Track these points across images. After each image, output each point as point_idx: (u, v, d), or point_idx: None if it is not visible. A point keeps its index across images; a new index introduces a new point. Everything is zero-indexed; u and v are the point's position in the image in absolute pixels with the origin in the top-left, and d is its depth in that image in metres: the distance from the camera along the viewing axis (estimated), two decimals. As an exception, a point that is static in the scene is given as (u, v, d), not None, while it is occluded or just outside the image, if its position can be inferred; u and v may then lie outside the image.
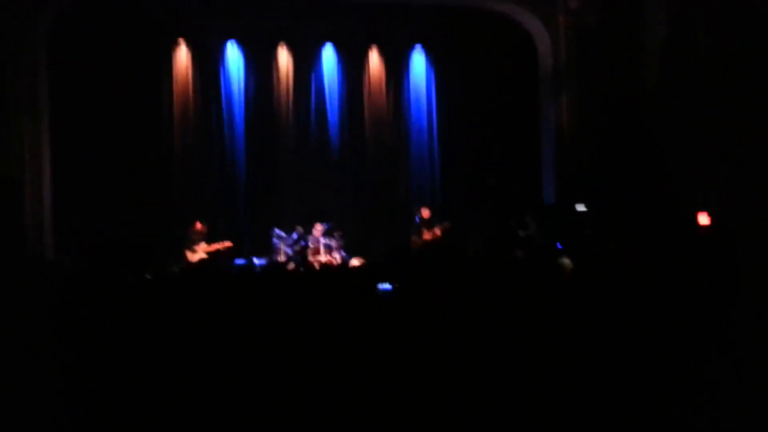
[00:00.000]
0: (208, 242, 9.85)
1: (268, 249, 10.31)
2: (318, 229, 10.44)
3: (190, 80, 10.94)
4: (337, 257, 10.17)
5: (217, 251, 9.74)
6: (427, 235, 10.55)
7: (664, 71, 9.39)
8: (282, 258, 10.06)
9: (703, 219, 8.08)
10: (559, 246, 8.84)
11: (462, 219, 10.93)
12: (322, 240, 10.29)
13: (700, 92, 8.63)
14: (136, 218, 9.95)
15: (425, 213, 10.74)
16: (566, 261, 4.53)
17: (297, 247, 10.30)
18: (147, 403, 2.83)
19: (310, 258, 10.05)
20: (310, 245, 10.26)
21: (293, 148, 11.40)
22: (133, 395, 2.86)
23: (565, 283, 4.09)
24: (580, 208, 9.84)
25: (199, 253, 9.70)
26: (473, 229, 10.62)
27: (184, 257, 9.49)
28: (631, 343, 3.02)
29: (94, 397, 2.78)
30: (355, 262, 9.33)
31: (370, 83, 11.74)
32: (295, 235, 10.45)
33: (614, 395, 2.80)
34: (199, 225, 9.81)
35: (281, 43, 11.37)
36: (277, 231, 10.35)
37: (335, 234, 10.45)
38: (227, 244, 9.73)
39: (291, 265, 8.43)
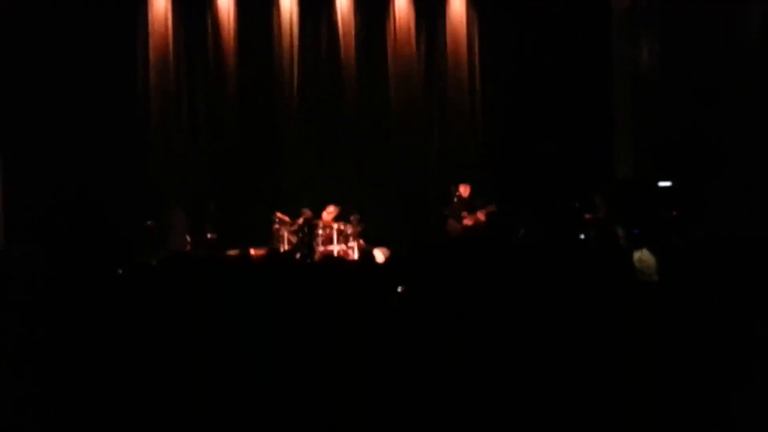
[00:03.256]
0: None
1: (267, 238, 10.35)
2: (330, 212, 10.45)
3: (170, 32, 10.97)
4: (354, 247, 10.16)
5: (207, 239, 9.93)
6: (467, 220, 10.50)
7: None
8: (285, 248, 10.09)
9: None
10: (636, 233, 8.83)
11: (511, 200, 10.89)
12: (336, 226, 10.30)
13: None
14: (105, 201, 10.09)
15: (464, 192, 10.67)
16: (646, 255, 4.47)
17: (304, 235, 10.32)
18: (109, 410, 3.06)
19: (320, 248, 10.06)
20: (320, 232, 10.27)
21: (299, 113, 11.48)
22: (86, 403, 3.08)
23: (645, 283, 4.14)
24: (664, 184, 9.81)
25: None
26: (526, 213, 10.58)
27: (178, 243, 9.77)
28: (738, 365, 3.06)
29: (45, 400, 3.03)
30: (377, 253, 9.16)
31: (395, 30, 11.71)
32: (301, 220, 10.47)
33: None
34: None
35: (283, -19, 11.43)
36: (279, 215, 10.39)
37: (352, 218, 10.44)
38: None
39: (297, 256, 8.49)
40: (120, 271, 5.14)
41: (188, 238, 9.95)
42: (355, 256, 9.83)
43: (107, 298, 4.00)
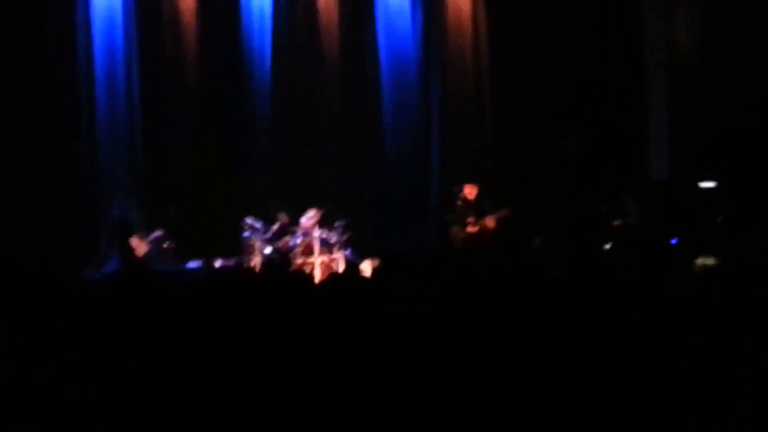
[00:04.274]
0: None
1: (236, 246, 10.32)
2: (311, 217, 10.38)
3: (119, 14, 11.09)
4: (338, 258, 10.09)
5: (155, 246, 9.98)
6: (473, 227, 10.40)
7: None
8: (256, 259, 10.02)
9: None
10: (673, 242, 8.84)
11: (526, 203, 10.85)
12: (317, 233, 10.22)
13: None
14: (43, 205, 10.21)
15: (470, 193, 10.60)
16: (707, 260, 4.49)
17: (280, 244, 10.26)
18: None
19: (298, 260, 9.99)
20: (299, 240, 10.20)
21: (273, 102, 11.53)
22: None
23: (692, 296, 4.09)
24: (706, 185, 9.79)
25: (144, 244, 9.98)
26: (543, 219, 10.58)
27: (127, 250, 9.84)
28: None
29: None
30: (365, 266, 9.19)
31: (387, 8, 11.78)
32: (276, 226, 10.41)
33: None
34: None
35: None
36: (249, 220, 10.32)
37: (336, 225, 10.37)
38: (160, 234, 10.10)
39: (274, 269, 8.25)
40: (57, 287, 5.02)
41: (142, 245, 10.00)
42: (340, 269, 9.81)
43: (40, 321, 4.05)
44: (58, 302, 4.43)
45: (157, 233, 10.10)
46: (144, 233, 10.07)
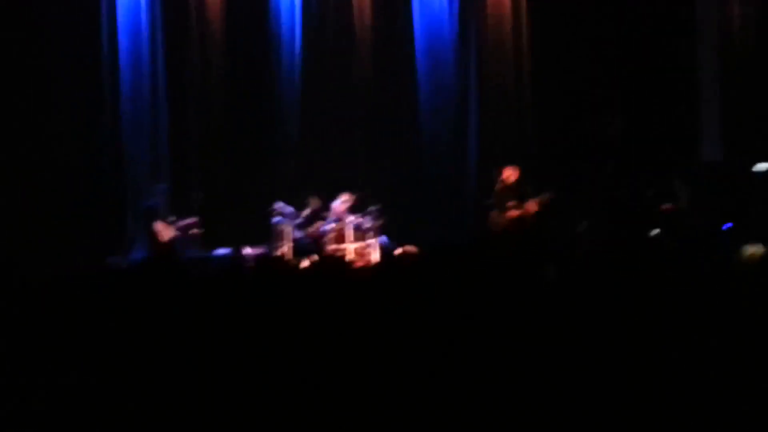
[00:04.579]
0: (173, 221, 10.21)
1: (266, 233, 10.37)
2: (344, 201, 10.45)
3: None
4: (373, 246, 10.13)
5: (183, 233, 10.07)
6: (513, 212, 10.39)
7: None
8: (286, 247, 10.06)
9: None
10: (727, 228, 8.83)
11: (569, 187, 10.80)
12: (350, 219, 10.28)
13: None
14: (67, 192, 10.45)
15: (511, 176, 10.58)
16: (757, 249, 4.47)
17: (311, 230, 10.33)
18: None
19: (331, 246, 10.06)
20: (331, 227, 10.26)
21: (304, 82, 11.59)
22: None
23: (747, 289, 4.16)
24: (762, 167, 9.69)
25: (170, 230, 10.08)
26: (588, 204, 10.57)
27: (153, 237, 10.03)
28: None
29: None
30: (401, 253, 9.38)
31: None
32: (307, 212, 10.47)
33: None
34: None
35: None
36: (279, 206, 10.39)
37: (371, 210, 10.41)
38: (192, 221, 10.18)
39: (304, 260, 8.50)
40: (84, 277, 5.25)
41: (168, 232, 10.12)
42: (376, 257, 9.85)
43: (62, 310, 4.15)
44: (81, 291, 4.55)
45: (188, 220, 10.22)
46: (172, 219, 10.18)
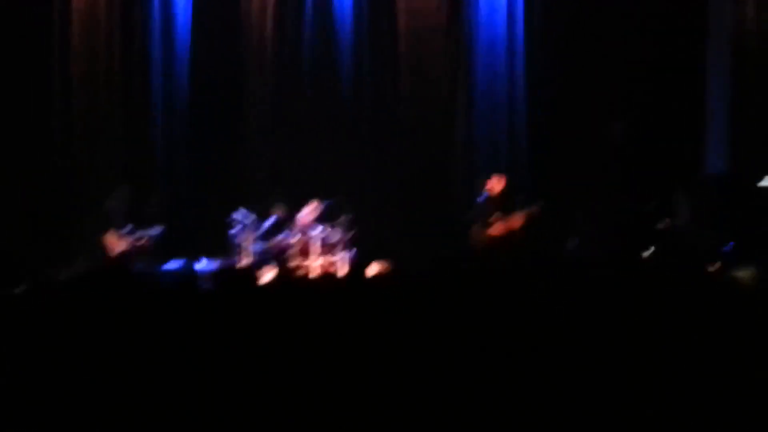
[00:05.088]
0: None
1: (224, 244, 10.38)
2: (310, 210, 10.46)
3: None
4: (341, 260, 10.11)
5: (138, 246, 10.07)
6: (498, 227, 10.37)
7: None
8: (246, 259, 10.06)
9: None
10: (730, 248, 8.87)
11: (560, 199, 10.78)
12: (317, 231, 10.28)
13: None
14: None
15: (496, 186, 10.55)
16: (748, 273, 4.67)
17: (273, 242, 10.31)
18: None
19: (295, 261, 10.05)
20: (295, 239, 10.25)
21: (273, 81, 11.69)
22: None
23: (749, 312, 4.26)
24: None
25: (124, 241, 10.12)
26: (579, 218, 10.59)
27: (102, 248, 10.07)
28: None
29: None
30: (372, 269, 9.17)
31: None
32: (270, 221, 10.46)
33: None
34: None
35: None
36: (240, 214, 10.37)
37: (340, 220, 10.42)
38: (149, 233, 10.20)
39: (266, 272, 8.55)
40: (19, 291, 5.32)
41: (118, 242, 10.11)
42: (344, 272, 9.81)
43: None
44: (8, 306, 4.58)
45: (148, 232, 10.17)
46: (128, 229, 10.13)
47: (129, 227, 10.10)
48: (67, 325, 4.17)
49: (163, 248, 10.19)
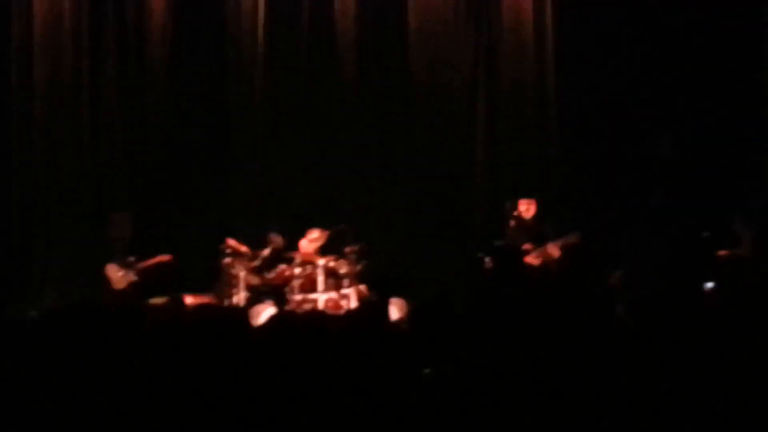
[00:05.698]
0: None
1: (213, 278, 10.36)
2: (313, 239, 10.39)
3: None
4: (350, 296, 10.01)
5: (154, 269, 10.15)
6: (533, 257, 10.23)
7: None
8: (240, 295, 10.02)
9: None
10: None
11: (602, 226, 10.79)
12: (322, 262, 10.18)
13: None
14: None
15: (527, 211, 10.43)
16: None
17: (271, 275, 10.22)
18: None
19: (297, 297, 9.96)
20: (298, 271, 10.09)
21: (265, 87, 11.75)
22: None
23: None
24: None
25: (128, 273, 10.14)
26: (625, 248, 10.55)
27: (105, 280, 10.18)
28: None
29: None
30: (392, 309, 8.97)
31: None
32: (266, 252, 10.39)
33: None
34: None
35: None
36: (231, 244, 10.33)
37: (348, 250, 10.33)
38: (164, 258, 10.32)
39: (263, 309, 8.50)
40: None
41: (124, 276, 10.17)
42: (352, 308, 9.64)
43: None
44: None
45: (155, 259, 10.20)
46: (131, 260, 10.14)
47: (133, 258, 10.18)
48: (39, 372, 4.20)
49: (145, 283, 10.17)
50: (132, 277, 10.19)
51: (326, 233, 10.37)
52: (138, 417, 3.83)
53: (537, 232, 10.31)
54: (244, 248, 10.31)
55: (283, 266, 10.23)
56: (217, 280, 10.27)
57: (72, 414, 3.89)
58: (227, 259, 10.24)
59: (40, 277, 10.77)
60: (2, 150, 11.22)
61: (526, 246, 10.24)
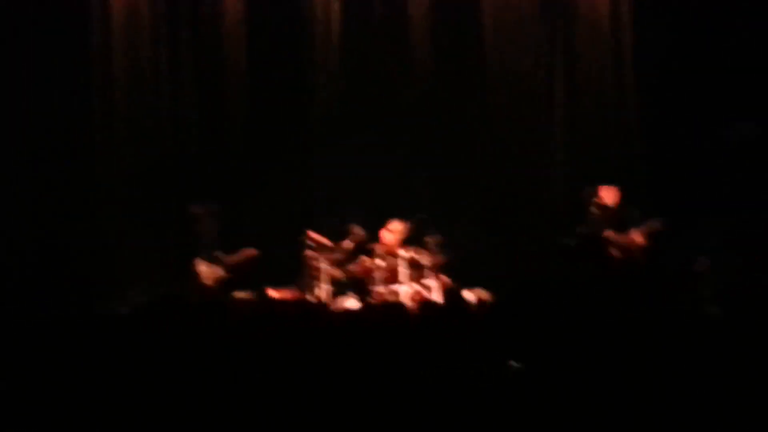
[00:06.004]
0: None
1: (295, 272, 10.34)
2: (394, 231, 10.36)
3: None
4: (433, 287, 9.98)
5: (242, 264, 10.25)
6: (614, 247, 10.18)
7: None
8: (323, 288, 9.99)
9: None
10: None
11: (685, 213, 10.63)
12: (404, 254, 10.20)
13: None
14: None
15: (610, 198, 10.41)
16: None
17: (353, 267, 10.23)
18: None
19: (379, 289, 9.94)
20: (379, 263, 10.06)
21: (341, 79, 11.78)
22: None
23: None
24: None
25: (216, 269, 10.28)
26: (710, 235, 10.39)
27: (193, 276, 10.31)
28: None
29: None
30: (469, 297, 9.23)
31: None
32: (348, 244, 10.39)
33: None
34: None
35: None
36: (313, 237, 10.36)
37: (428, 241, 10.31)
38: (251, 253, 10.42)
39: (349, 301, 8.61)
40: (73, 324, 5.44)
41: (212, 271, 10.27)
42: (437, 300, 9.72)
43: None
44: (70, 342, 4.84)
45: (242, 254, 10.28)
46: (219, 255, 10.27)
47: (221, 253, 10.29)
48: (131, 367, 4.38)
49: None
50: (220, 272, 10.27)
51: (407, 224, 10.34)
52: (225, 408, 3.94)
53: (619, 219, 10.26)
54: (326, 241, 10.31)
55: (365, 258, 10.23)
56: (300, 274, 10.25)
57: (164, 405, 4.00)
58: (309, 252, 10.23)
59: (128, 273, 10.81)
60: (88, 147, 11.32)
61: (609, 233, 10.17)
